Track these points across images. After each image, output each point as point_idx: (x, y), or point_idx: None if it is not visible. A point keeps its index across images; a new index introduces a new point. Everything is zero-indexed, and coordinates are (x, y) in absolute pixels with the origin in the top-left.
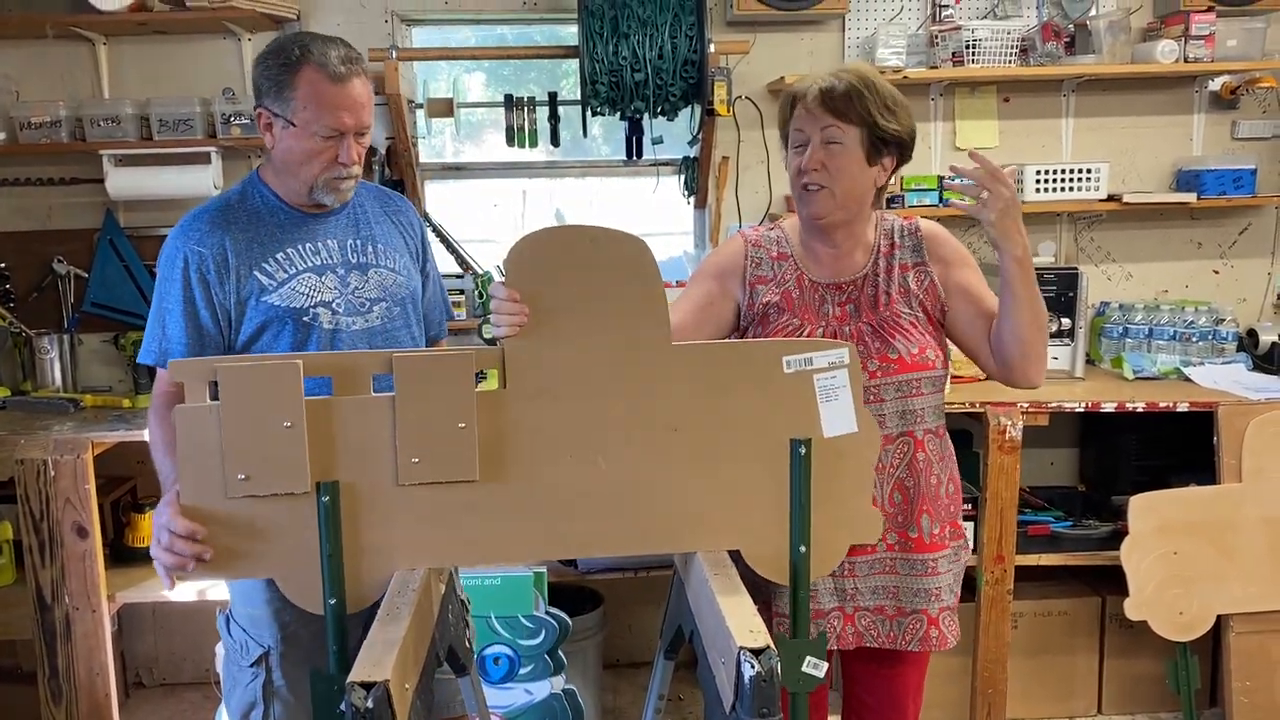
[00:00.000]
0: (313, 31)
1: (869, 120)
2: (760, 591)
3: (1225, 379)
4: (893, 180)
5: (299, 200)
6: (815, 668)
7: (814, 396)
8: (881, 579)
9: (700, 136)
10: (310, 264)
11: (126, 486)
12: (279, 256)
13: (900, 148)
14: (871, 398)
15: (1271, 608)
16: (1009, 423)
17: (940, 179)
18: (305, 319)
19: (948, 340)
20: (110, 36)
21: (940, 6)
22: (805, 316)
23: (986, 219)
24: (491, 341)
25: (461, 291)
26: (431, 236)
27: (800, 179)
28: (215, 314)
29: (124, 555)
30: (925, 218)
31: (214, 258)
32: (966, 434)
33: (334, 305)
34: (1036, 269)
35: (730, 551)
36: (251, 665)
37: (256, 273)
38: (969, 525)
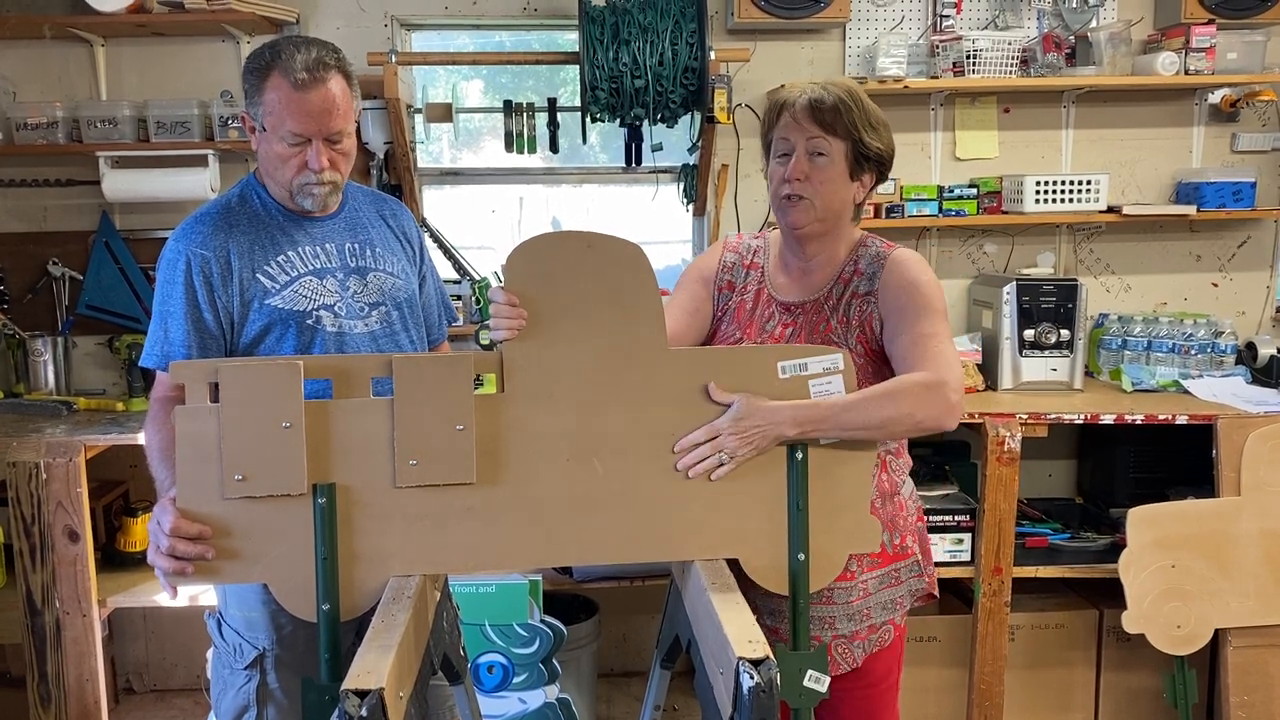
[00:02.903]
0: (296, 35)
1: (854, 135)
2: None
3: (1224, 392)
4: (872, 195)
5: (292, 204)
6: (817, 682)
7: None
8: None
9: (700, 144)
10: (311, 267)
11: (119, 490)
12: (280, 259)
13: (880, 165)
14: None
15: (1270, 622)
16: (1007, 434)
17: (939, 189)
18: (309, 322)
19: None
20: (108, 38)
21: (941, 16)
22: (747, 331)
23: (751, 456)
24: (489, 346)
25: (458, 297)
26: (429, 242)
27: (783, 188)
28: (218, 316)
29: (115, 560)
30: (925, 229)
31: (217, 260)
32: (964, 445)
33: (336, 309)
34: (1035, 281)
35: (728, 561)
36: (246, 668)
37: (259, 275)
38: (966, 536)
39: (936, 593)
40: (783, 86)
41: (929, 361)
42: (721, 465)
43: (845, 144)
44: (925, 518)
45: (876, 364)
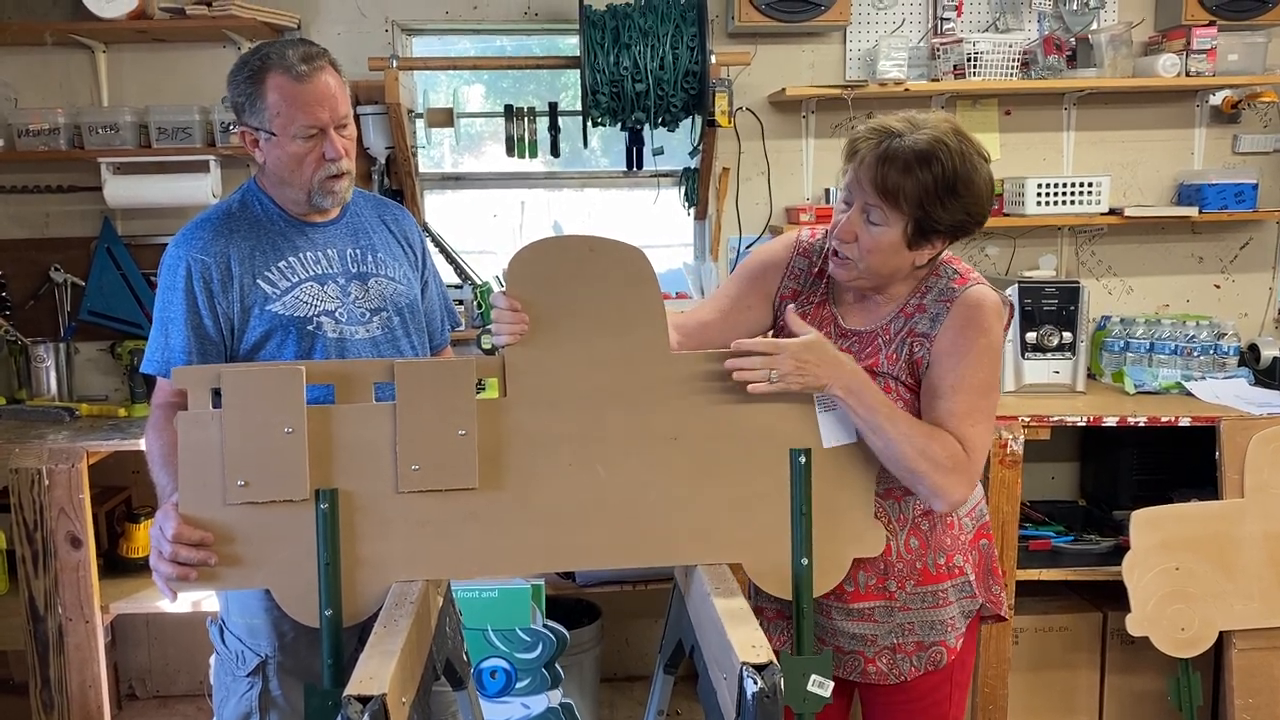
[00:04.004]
0: (271, 40)
1: (919, 212)
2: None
3: (1227, 394)
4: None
5: (299, 209)
6: (821, 686)
7: (813, 406)
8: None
9: (701, 147)
10: (312, 273)
11: (121, 496)
12: (281, 265)
13: (956, 232)
14: None
15: (1274, 624)
16: (1010, 436)
17: None
18: (310, 328)
19: None
20: (110, 44)
21: (942, 19)
22: None
23: (794, 390)
24: (491, 350)
25: (460, 302)
26: (430, 246)
27: (831, 240)
28: (219, 322)
29: (118, 566)
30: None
31: (217, 266)
32: None
33: (337, 314)
34: (1038, 283)
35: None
36: (248, 675)
37: (260, 281)
38: None
39: (1005, 614)
40: (870, 115)
41: (970, 446)
42: (766, 383)
43: (907, 218)
44: (990, 534)
45: (919, 399)
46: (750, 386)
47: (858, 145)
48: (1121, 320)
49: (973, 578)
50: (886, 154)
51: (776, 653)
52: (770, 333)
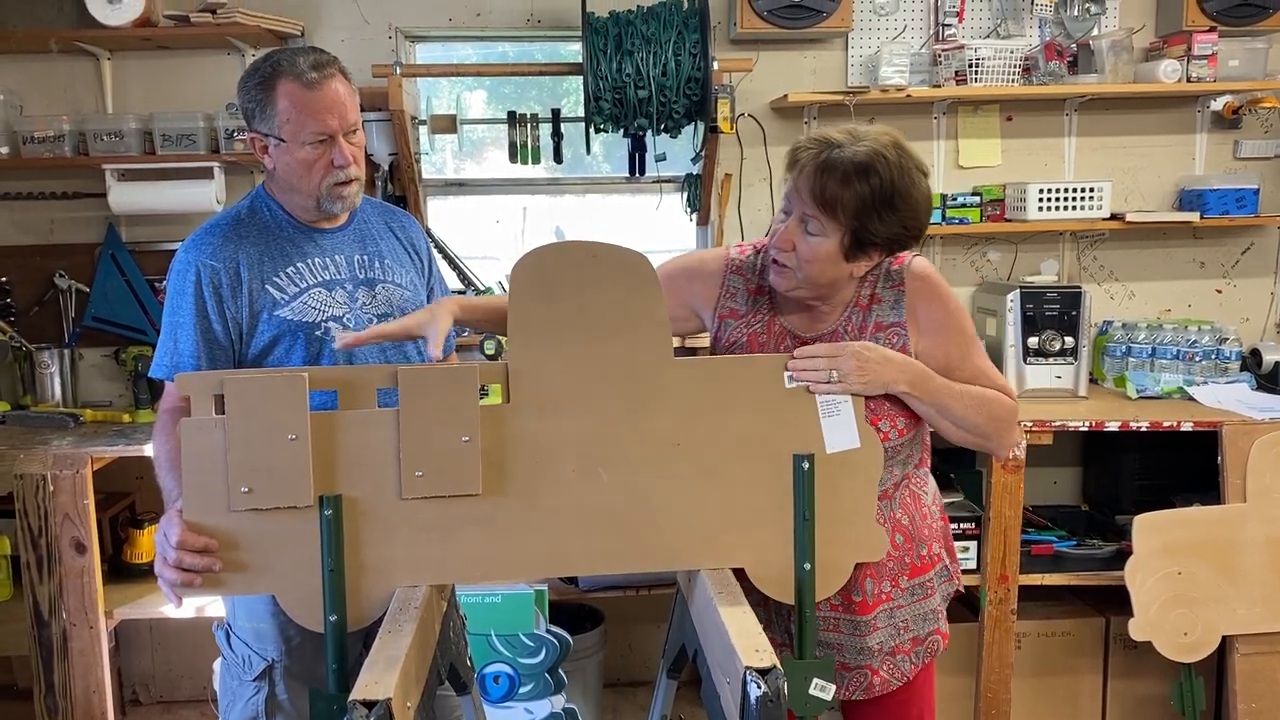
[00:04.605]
0: (283, 48)
1: (855, 224)
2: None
3: (1229, 398)
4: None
5: (308, 216)
6: (823, 690)
7: (816, 412)
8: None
9: (703, 154)
10: (320, 279)
11: (125, 502)
12: (289, 271)
13: (894, 244)
14: None
15: (1276, 629)
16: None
17: (943, 198)
18: (317, 334)
19: None
20: (114, 52)
21: (943, 25)
22: None
23: (855, 391)
24: (494, 356)
25: None
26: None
27: (770, 250)
28: (227, 327)
29: (122, 571)
30: (929, 237)
31: (226, 271)
32: (969, 453)
33: (344, 320)
34: (1039, 288)
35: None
36: (254, 679)
37: (269, 286)
38: (971, 544)
39: (962, 587)
40: (872, 121)
41: (1008, 390)
42: (828, 383)
43: (844, 230)
44: (946, 517)
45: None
46: (814, 386)
47: (798, 155)
48: (1123, 325)
49: (948, 561)
50: (825, 164)
51: (780, 656)
52: (709, 349)
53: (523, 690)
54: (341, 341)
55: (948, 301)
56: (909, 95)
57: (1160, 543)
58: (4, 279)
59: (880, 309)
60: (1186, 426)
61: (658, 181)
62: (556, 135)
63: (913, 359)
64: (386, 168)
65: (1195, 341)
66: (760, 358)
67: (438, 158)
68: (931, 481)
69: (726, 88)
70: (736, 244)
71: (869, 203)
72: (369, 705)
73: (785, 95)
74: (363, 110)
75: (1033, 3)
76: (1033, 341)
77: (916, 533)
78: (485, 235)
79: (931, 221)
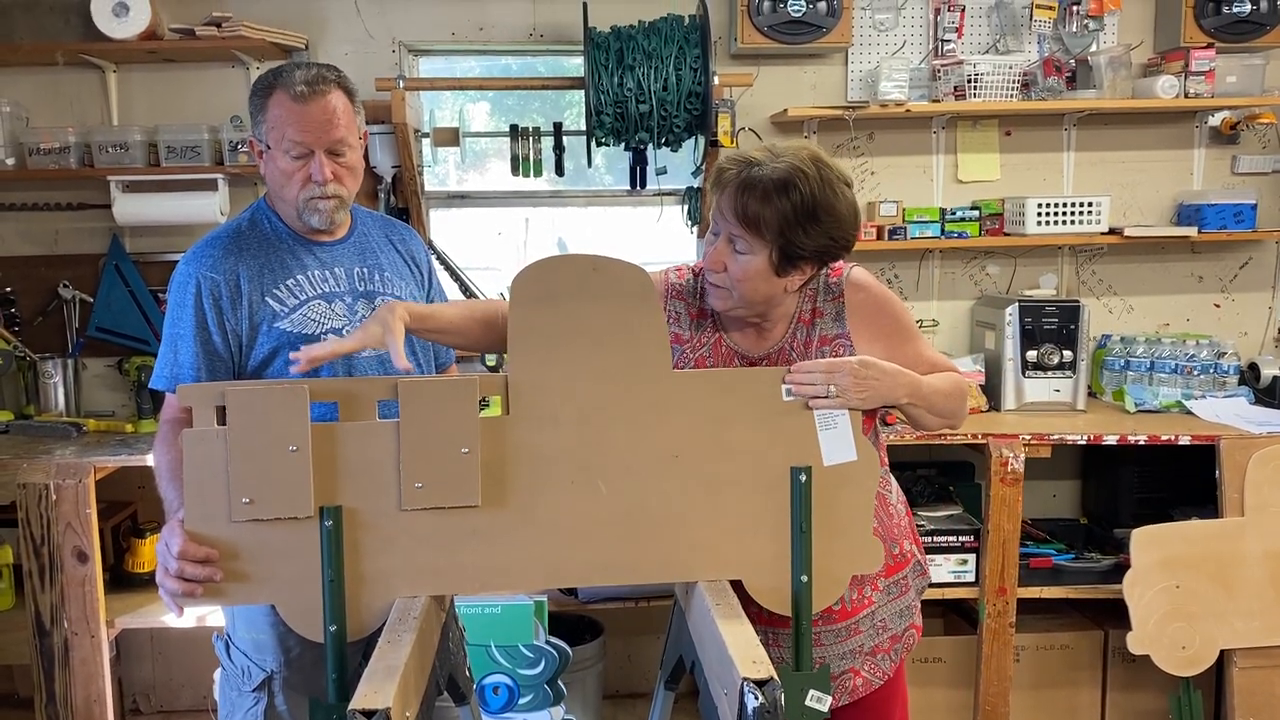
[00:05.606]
0: (294, 61)
1: (781, 239)
2: None
3: (1227, 412)
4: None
5: (298, 226)
6: (819, 701)
7: (813, 424)
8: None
9: (704, 167)
10: (319, 291)
11: (127, 511)
12: (289, 283)
13: (822, 257)
14: None
15: (1275, 643)
16: (1011, 455)
17: (942, 211)
18: None
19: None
20: (120, 64)
21: (942, 41)
22: None
23: (854, 406)
24: (495, 367)
25: None
26: (435, 264)
27: (704, 272)
28: (227, 339)
29: (124, 580)
30: (928, 251)
31: (227, 283)
32: (968, 466)
33: (344, 332)
34: (1038, 302)
35: (732, 582)
36: (254, 690)
37: (269, 298)
38: (970, 557)
39: (931, 577)
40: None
41: (952, 368)
42: (826, 398)
43: (771, 246)
44: (912, 512)
45: None
46: (812, 401)
47: (721, 175)
48: (1122, 339)
49: (919, 555)
50: (746, 183)
51: (777, 668)
52: None
53: (522, 701)
54: (306, 358)
55: (887, 306)
56: (908, 110)
57: (1159, 556)
58: (9, 289)
59: (823, 323)
60: (1185, 440)
61: (659, 194)
62: (558, 148)
63: (903, 368)
64: (390, 180)
65: (1193, 356)
66: (759, 371)
67: (440, 170)
68: (893, 480)
69: (727, 102)
70: (675, 267)
71: (791, 218)
72: (368, 715)
73: (785, 110)
74: (367, 123)
75: (1031, 18)
76: (1031, 355)
77: (888, 533)
78: (487, 247)
79: (930, 235)
